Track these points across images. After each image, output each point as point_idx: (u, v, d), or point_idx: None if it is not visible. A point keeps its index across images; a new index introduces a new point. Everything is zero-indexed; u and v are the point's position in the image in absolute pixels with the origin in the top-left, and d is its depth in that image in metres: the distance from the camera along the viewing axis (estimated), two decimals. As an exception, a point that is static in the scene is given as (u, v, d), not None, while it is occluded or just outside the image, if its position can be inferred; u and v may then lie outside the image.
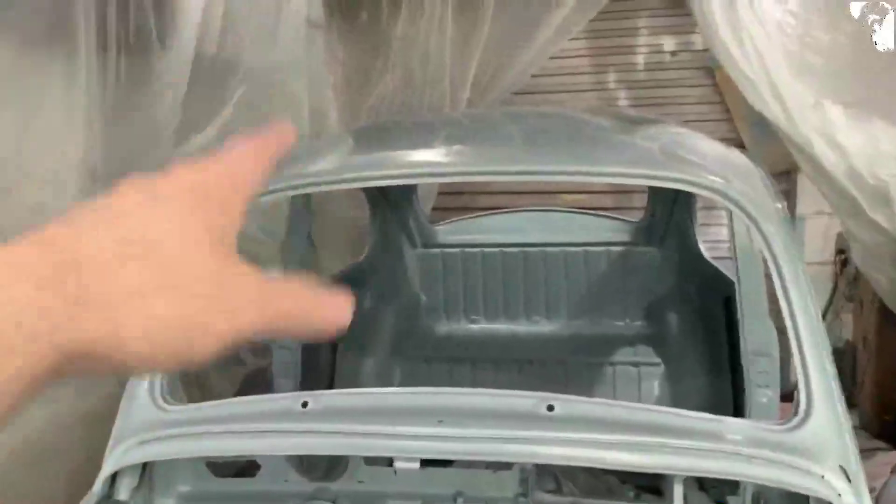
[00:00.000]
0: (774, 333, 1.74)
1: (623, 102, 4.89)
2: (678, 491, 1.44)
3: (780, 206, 1.73)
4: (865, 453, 3.33)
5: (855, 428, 3.81)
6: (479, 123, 2.41)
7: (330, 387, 2.81)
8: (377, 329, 3.10)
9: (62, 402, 2.12)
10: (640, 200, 3.26)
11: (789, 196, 4.58)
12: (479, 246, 3.24)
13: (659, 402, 2.89)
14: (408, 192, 3.17)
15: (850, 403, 4.00)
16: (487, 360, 3.12)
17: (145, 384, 1.64)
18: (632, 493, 2.18)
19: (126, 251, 0.43)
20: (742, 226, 1.68)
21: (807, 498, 1.34)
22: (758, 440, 1.35)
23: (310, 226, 2.58)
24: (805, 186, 4.25)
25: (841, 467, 1.32)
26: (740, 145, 4.42)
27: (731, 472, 1.34)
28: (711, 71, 4.63)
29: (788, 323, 1.47)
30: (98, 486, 1.60)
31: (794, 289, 1.50)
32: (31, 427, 1.99)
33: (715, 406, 2.53)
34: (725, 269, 2.70)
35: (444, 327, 3.30)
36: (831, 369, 1.44)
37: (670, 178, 1.71)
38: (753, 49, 2.51)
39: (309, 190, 2.07)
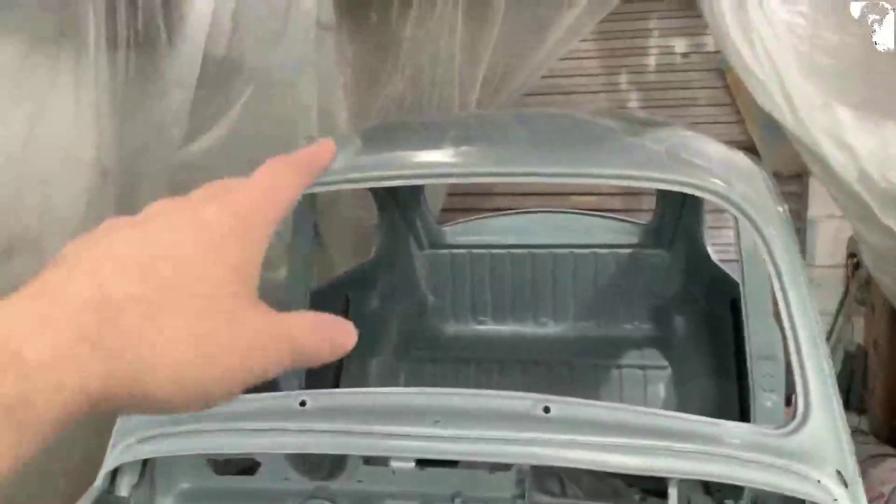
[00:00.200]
0: (780, 337, 1.73)
1: (634, 104, 4.87)
2: (673, 494, 1.44)
3: (781, 209, 1.72)
4: (875, 459, 3.31)
5: (865, 433, 3.80)
6: (487, 124, 2.41)
7: (336, 387, 2.82)
8: (384, 330, 3.10)
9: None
10: (650, 202, 3.25)
11: (801, 199, 4.55)
12: (486, 247, 3.24)
13: (665, 405, 2.88)
14: (415, 192, 3.18)
15: (861, 409, 4.00)
16: (494, 362, 3.12)
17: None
18: (637, 497, 2.17)
19: (157, 297, 0.43)
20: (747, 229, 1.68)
21: (803, 502, 1.33)
22: (754, 444, 1.34)
23: (314, 226, 2.58)
24: (816, 189, 4.23)
25: (838, 472, 1.31)
26: (751, 147, 4.39)
27: (726, 475, 1.33)
28: (723, 72, 4.61)
29: (787, 326, 1.47)
30: (99, 481, 1.62)
31: (794, 292, 1.50)
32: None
33: (721, 409, 2.52)
34: (733, 272, 2.68)
35: (451, 328, 3.30)
36: (830, 373, 1.43)
37: (672, 181, 1.70)
38: (763, 50, 2.49)
39: (316, 190, 2.07)
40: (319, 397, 1.56)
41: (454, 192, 4.25)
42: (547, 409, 1.44)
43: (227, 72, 2.81)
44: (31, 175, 2.20)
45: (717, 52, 4.18)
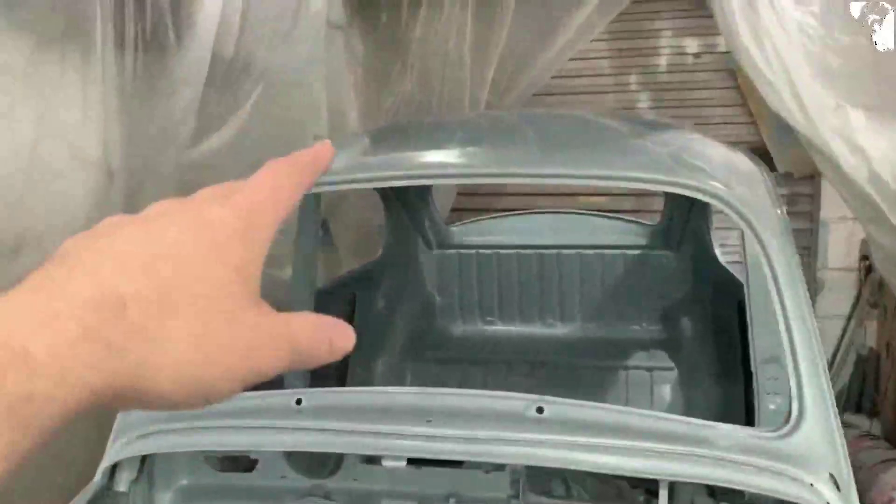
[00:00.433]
0: (784, 339, 1.72)
1: (645, 105, 4.85)
2: (664, 496, 1.43)
3: (779, 211, 1.71)
4: (887, 463, 3.28)
5: (877, 437, 3.75)
6: (495, 125, 2.42)
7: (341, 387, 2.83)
8: (390, 330, 3.11)
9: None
10: (661, 203, 3.24)
11: (813, 200, 4.51)
12: (494, 247, 3.24)
13: (671, 407, 2.87)
14: (423, 192, 3.18)
15: (873, 412, 3.95)
16: (500, 362, 3.12)
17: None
18: (641, 498, 2.16)
19: (158, 296, 0.44)
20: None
21: None
22: (747, 446, 1.33)
23: (324, 225, 2.59)
24: (829, 191, 4.18)
25: (831, 475, 1.30)
26: (763, 148, 4.36)
27: (716, 478, 1.33)
28: (734, 73, 4.58)
29: (782, 328, 1.46)
30: (98, 476, 1.63)
31: (790, 294, 1.49)
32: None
33: (727, 412, 2.50)
34: (741, 274, 2.66)
35: (458, 328, 3.30)
36: (825, 376, 1.42)
37: (673, 184, 1.70)
38: (773, 51, 2.47)
39: (322, 189, 2.08)
40: (315, 396, 1.56)
41: (464, 192, 4.25)
42: (540, 410, 1.44)
43: (236, 71, 2.82)
44: (37, 174, 2.21)
45: (729, 52, 4.15)
